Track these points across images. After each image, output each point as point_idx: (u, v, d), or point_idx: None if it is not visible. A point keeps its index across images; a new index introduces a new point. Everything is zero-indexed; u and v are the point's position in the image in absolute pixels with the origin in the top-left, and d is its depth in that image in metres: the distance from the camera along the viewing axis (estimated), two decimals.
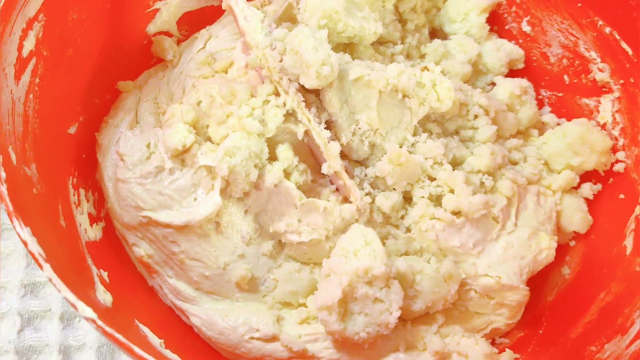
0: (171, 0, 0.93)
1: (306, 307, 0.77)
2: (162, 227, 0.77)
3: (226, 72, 0.86)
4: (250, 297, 0.78)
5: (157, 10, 0.92)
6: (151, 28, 0.93)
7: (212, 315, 0.76)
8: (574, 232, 0.85)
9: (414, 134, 0.80)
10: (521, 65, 0.96)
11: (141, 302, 0.78)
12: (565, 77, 0.92)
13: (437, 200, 0.79)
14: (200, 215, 0.76)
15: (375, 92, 0.77)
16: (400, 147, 0.79)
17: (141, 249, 0.80)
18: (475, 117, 0.84)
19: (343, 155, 0.79)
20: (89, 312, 0.53)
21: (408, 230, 0.80)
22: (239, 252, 0.77)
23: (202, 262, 0.77)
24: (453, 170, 0.79)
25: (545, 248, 0.80)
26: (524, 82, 0.91)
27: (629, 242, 0.79)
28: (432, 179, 0.80)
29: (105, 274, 0.75)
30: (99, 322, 0.53)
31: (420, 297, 0.74)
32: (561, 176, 0.85)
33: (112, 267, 0.77)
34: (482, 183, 0.80)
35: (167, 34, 0.95)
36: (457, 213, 0.78)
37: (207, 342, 0.78)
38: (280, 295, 0.77)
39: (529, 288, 0.79)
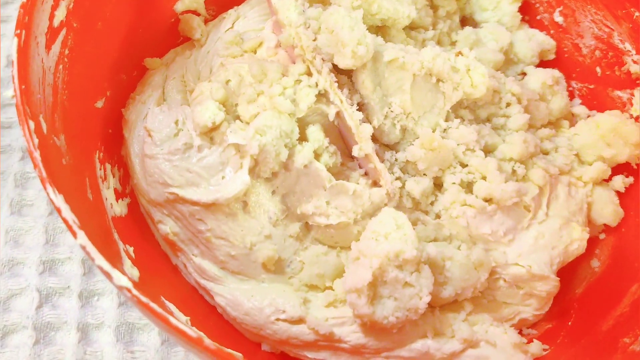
0: None
1: (333, 290, 0.76)
2: (189, 204, 0.76)
3: (255, 52, 0.85)
4: (276, 278, 0.77)
5: None
6: (179, 6, 0.92)
7: (237, 296, 0.75)
8: (604, 224, 0.84)
9: (446, 120, 0.79)
10: (552, 56, 0.95)
11: (166, 279, 0.77)
12: (598, 69, 0.91)
13: (468, 187, 0.78)
14: (228, 194, 0.74)
15: (409, 75, 0.77)
16: (433, 132, 0.78)
17: (167, 226, 0.78)
18: (508, 105, 0.83)
19: (374, 139, 0.78)
20: (125, 280, 0.52)
21: (437, 216, 0.79)
22: (266, 233, 0.76)
23: (229, 241, 0.76)
24: (485, 157, 0.78)
25: (577, 239, 0.79)
26: (555, 73, 0.90)
27: None
28: (463, 165, 0.79)
29: (131, 250, 0.74)
30: (134, 292, 0.52)
31: (449, 283, 0.73)
32: (593, 167, 0.84)
33: (138, 243, 0.76)
34: (514, 171, 0.79)
35: (195, 12, 0.94)
36: (488, 200, 0.77)
37: (232, 322, 0.76)
38: (307, 278, 0.76)
39: (559, 279, 0.78)
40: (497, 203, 0.76)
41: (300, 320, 0.73)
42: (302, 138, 0.77)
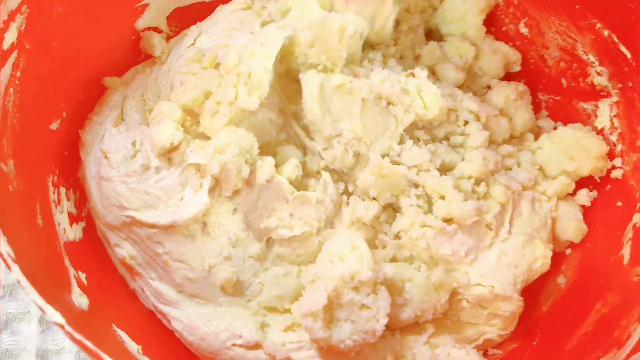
0: None
1: (291, 313, 0.74)
2: (146, 227, 0.74)
3: (216, 68, 0.83)
4: (234, 301, 0.75)
5: (147, 5, 0.89)
6: (140, 23, 0.90)
7: (194, 320, 0.74)
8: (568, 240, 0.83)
9: (400, 142, 0.77)
10: (518, 68, 0.93)
11: (120, 305, 0.76)
12: (563, 81, 0.89)
13: (427, 206, 0.77)
14: (187, 215, 0.73)
15: (358, 99, 0.74)
16: (385, 156, 0.76)
17: (124, 250, 0.77)
18: (466, 123, 0.81)
19: (325, 167, 0.77)
20: (58, 317, 0.50)
21: (397, 237, 0.77)
22: (225, 254, 0.75)
23: (187, 263, 0.74)
24: (441, 176, 0.76)
25: (540, 257, 0.77)
26: (520, 86, 0.89)
27: (626, 251, 0.76)
28: (418, 186, 0.77)
29: (83, 276, 0.72)
30: (67, 328, 0.50)
31: (409, 305, 0.72)
32: (557, 181, 0.82)
33: (91, 268, 0.74)
34: (474, 189, 0.77)
35: (157, 29, 0.92)
36: (448, 220, 0.75)
37: (188, 347, 0.75)
38: (266, 300, 0.75)
39: (523, 298, 0.76)
40: (457, 222, 0.74)
41: (257, 346, 0.72)
42: (264, 152, 0.76)
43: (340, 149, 0.75)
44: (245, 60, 0.75)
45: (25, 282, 0.51)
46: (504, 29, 0.95)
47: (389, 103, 0.75)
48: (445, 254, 0.74)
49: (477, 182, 0.78)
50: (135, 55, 0.91)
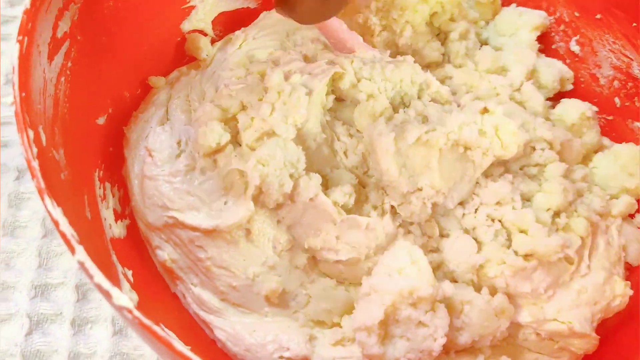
0: None
1: (341, 327, 0.69)
2: (188, 229, 0.70)
3: (263, 76, 0.81)
4: (280, 312, 0.70)
5: (193, 7, 0.87)
6: (186, 25, 0.87)
7: (238, 330, 0.69)
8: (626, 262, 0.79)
9: (476, 184, 0.73)
10: (570, 87, 0.90)
11: (166, 307, 0.71)
12: (617, 100, 0.86)
13: (505, 241, 0.71)
14: (230, 220, 0.69)
15: (435, 151, 0.69)
16: (463, 203, 0.72)
17: (165, 253, 0.72)
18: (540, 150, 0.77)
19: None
20: (125, 300, 0.47)
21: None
22: (270, 263, 0.70)
23: (230, 271, 0.70)
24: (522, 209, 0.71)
25: (619, 295, 0.71)
26: (592, 106, 0.84)
27: None
28: (495, 221, 0.71)
29: (130, 273, 0.68)
30: (135, 313, 0.46)
31: (466, 329, 0.66)
32: (620, 201, 0.77)
33: (136, 267, 0.70)
34: (553, 221, 0.71)
35: (202, 32, 0.89)
36: (529, 256, 0.69)
37: (232, 358, 0.70)
38: (313, 313, 0.70)
39: (599, 337, 0.71)
40: (539, 259, 0.68)
41: (305, 359, 0.67)
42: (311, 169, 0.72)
43: (419, 204, 0.70)
44: (291, 80, 0.73)
45: (90, 264, 0.48)
46: (553, 46, 0.92)
47: (466, 149, 0.70)
48: (524, 292, 0.69)
49: (557, 214, 0.72)
50: (180, 57, 0.88)
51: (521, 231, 0.70)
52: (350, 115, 0.76)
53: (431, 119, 0.71)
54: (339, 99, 0.78)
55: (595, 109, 0.85)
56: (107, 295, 0.47)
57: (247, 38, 0.86)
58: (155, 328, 0.46)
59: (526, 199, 0.74)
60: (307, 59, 0.81)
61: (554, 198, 0.72)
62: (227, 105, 0.74)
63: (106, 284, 0.47)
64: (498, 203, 0.71)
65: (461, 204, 0.73)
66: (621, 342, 0.72)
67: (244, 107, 0.74)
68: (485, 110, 0.72)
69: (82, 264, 0.48)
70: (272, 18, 0.88)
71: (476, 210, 0.72)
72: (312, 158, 0.73)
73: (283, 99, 0.71)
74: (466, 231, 0.72)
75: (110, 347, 0.79)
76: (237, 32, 0.88)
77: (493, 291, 0.70)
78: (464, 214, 0.73)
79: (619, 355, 0.70)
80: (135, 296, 0.63)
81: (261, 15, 0.89)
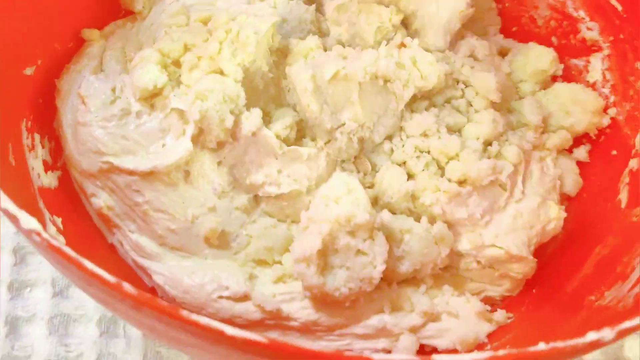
0: None
1: (282, 264, 0.69)
2: (125, 174, 0.68)
3: (205, 24, 0.79)
4: (220, 254, 0.69)
5: None
6: None
7: (176, 273, 0.67)
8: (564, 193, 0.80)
9: (402, 117, 0.73)
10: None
11: (99, 259, 0.69)
12: (554, 39, 0.87)
13: (437, 170, 0.72)
14: (169, 161, 0.67)
15: (355, 84, 0.69)
16: (390, 137, 0.72)
17: (100, 200, 0.70)
18: (466, 85, 0.77)
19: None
20: (33, 223, 0.44)
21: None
22: (210, 205, 0.69)
23: (168, 213, 0.68)
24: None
25: (554, 218, 0.72)
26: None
27: (623, 196, 0.73)
28: (423, 152, 0.72)
29: (59, 221, 0.66)
30: (44, 235, 0.44)
31: (407, 258, 0.66)
32: (557, 135, 0.78)
33: (68, 217, 0.68)
34: (485, 149, 0.72)
35: None
36: (462, 182, 0.69)
37: (171, 303, 0.69)
38: (254, 252, 0.69)
39: (536, 260, 0.71)
40: (472, 184, 0.69)
41: (245, 297, 0.65)
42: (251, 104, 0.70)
43: (344, 140, 0.70)
44: (237, 20, 0.71)
45: None
46: None
47: (386, 81, 0.70)
48: (461, 218, 0.69)
49: (488, 142, 0.73)
50: (115, 10, 0.86)
51: (451, 158, 0.70)
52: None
53: (350, 57, 0.71)
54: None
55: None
56: (14, 220, 0.45)
57: None
58: (65, 249, 0.44)
59: (455, 131, 0.74)
60: None
61: (483, 127, 0.72)
62: (168, 49, 0.72)
63: (13, 207, 0.45)
64: (424, 134, 0.71)
65: (389, 138, 0.73)
66: (559, 266, 0.73)
67: (187, 49, 0.72)
68: (402, 45, 0.72)
69: None
70: None
71: (404, 144, 0.72)
72: (259, 96, 0.72)
73: (231, 38, 0.70)
74: (397, 164, 0.72)
75: (49, 309, 0.77)
76: None
77: (432, 220, 0.70)
78: (392, 149, 0.72)
79: (557, 279, 0.71)
80: (62, 239, 0.61)
81: None
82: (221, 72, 0.69)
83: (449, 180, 0.69)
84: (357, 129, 0.70)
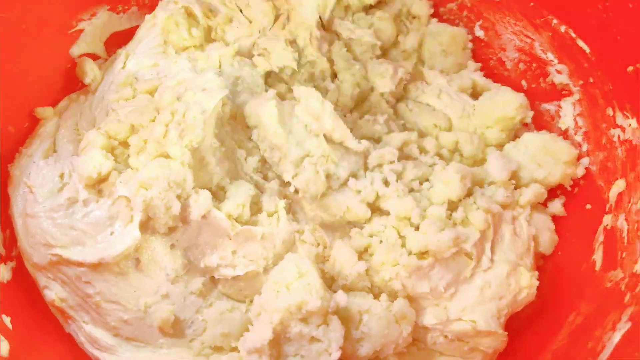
0: (96, 21, 0.84)
1: (238, 351, 0.65)
2: (74, 265, 0.66)
3: (152, 95, 0.77)
4: (175, 342, 0.66)
5: (82, 30, 0.83)
6: (75, 50, 0.83)
7: None
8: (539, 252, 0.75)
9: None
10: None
11: (52, 350, 0.67)
12: (524, 83, 0.83)
13: (396, 236, 0.68)
14: (116, 251, 0.65)
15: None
16: (355, 176, 0.70)
17: (52, 292, 0.68)
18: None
19: (296, 196, 0.70)
20: None
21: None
22: (163, 292, 0.66)
23: (121, 304, 0.66)
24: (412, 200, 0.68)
25: (526, 287, 0.68)
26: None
27: (598, 256, 0.69)
28: (385, 213, 0.69)
29: (8, 320, 0.64)
30: None
31: (367, 339, 0.63)
32: (530, 189, 0.73)
33: (21, 312, 0.66)
34: (449, 215, 0.68)
35: (94, 56, 0.86)
36: (424, 253, 0.66)
37: None
38: (210, 339, 0.66)
39: (507, 333, 0.67)
40: (433, 256, 0.65)
41: None
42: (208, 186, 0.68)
43: (311, 170, 0.67)
44: (183, 99, 0.69)
45: None
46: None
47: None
48: (424, 292, 0.65)
49: (453, 206, 0.69)
50: (72, 84, 0.84)
51: (413, 226, 0.67)
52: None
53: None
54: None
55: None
56: None
57: (129, 54, 0.82)
58: None
59: (418, 186, 0.71)
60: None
61: (451, 189, 0.68)
62: (114, 131, 0.70)
63: None
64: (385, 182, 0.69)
65: (353, 175, 0.70)
66: (532, 336, 0.69)
67: (134, 130, 0.70)
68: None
69: None
70: (149, 28, 0.83)
71: (371, 182, 0.69)
72: (211, 173, 0.70)
73: (177, 120, 0.68)
74: (362, 231, 0.69)
75: None
76: (119, 51, 0.84)
77: (393, 295, 0.66)
78: (358, 190, 0.69)
79: (530, 352, 0.67)
80: (6, 345, 0.59)
81: (138, 28, 0.85)
82: (167, 155, 0.67)
83: (409, 253, 0.65)
84: (322, 160, 0.67)
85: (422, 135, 0.76)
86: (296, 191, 0.69)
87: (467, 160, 0.75)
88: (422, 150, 0.74)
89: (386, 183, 0.69)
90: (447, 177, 0.69)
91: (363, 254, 0.68)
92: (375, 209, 0.69)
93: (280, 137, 0.67)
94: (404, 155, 0.73)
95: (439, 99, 0.77)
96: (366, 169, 0.71)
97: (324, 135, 0.68)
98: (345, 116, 0.78)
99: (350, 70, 0.78)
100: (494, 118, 0.78)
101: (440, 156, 0.74)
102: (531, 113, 0.80)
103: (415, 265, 0.65)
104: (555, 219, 0.76)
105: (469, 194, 0.71)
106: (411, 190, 0.70)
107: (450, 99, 0.78)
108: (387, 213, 0.68)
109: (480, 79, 0.84)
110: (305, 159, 0.68)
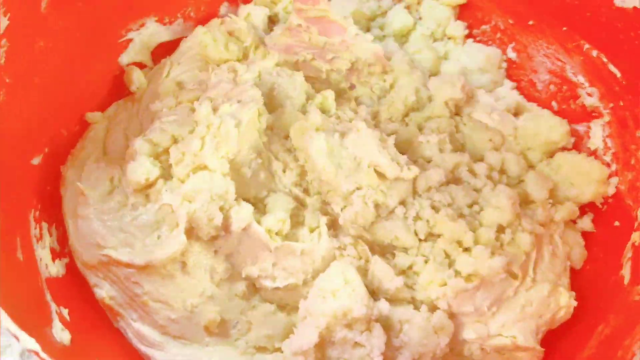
0: (144, 31, 0.87)
1: (282, 352, 0.67)
2: (123, 266, 0.68)
3: (192, 103, 0.78)
4: (220, 341, 0.69)
5: (130, 40, 0.87)
6: (124, 59, 0.87)
7: None
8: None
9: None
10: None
11: (106, 343, 0.69)
12: (554, 104, 0.86)
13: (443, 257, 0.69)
14: (163, 255, 0.67)
15: None
16: (403, 203, 0.71)
17: (102, 290, 0.71)
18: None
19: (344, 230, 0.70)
20: (32, 343, 0.46)
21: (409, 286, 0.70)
22: (208, 293, 0.68)
23: (168, 304, 0.68)
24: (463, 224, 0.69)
25: (564, 306, 0.69)
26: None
27: (626, 271, 0.71)
28: (434, 237, 0.70)
29: (65, 312, 0.66)
30: (42, 355, 0.46)
31: (406, 348, 0.65)
32: (564, 207, 0.75)
33: (76, 305, 0.68)
34: (497, 237, 0.69)
35: (142, 64, 0.90)
36: (471, 275, 0.67)
37: None
38: (255, 339, 0.68)
39: (544, 350, 0.69)
40: (481, 280, 0.66)
41: None
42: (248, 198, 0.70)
43: (360, 203, 0.68)
44: (219, 112, 0.71)
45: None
46: None
47: None
48: (467, 312, 0.67)
49: (501, 229, 0.70)
50: (120, 90, 0.87)
51: (463, 248, 0.68)
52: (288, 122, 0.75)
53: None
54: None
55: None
56: (15, 337, 0.47)
57: (173, 64, 0.85)
58: None
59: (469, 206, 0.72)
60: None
61: (503, 214, 0.69)
62: (158, 140, 0.72)
63: (13, 327, 0.46)
64: (433, 207, 0.70)
65: (402, 203, 0.70)
66: (562, 345, 0.72)
67: (175, 140, 0.73)
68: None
69: None
70: (192, 40, 0.86)
71: (418, 211, 0.70)
72: (249, 185, 0.72)
73: (212, 132, 0.70)
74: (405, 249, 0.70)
75: None
76: (163, 61, 0.87)
77: (433, 307, 0.68)
78: (406, 216, 0.70)
79: None
80: (67, 335, 0.61)
81: (183, 40, 0.88)
82: (206, 167, 0.69)
83: (457, 274, 0.67)
84: (372, 193, 0.68)
85: (473, 151, 0.78)
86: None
87: (512, 181, 0.76)
88: (472, 173, 0.75)
89: (435, 208, 0.70)
90: (499, 202, 0.70)
91: (407, 271, 0.69)
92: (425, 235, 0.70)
93: (329, 174, 0.68)
94: (453, 179, 0.74)
95: (491, 116, 0.79)
96: (414, 192, 0.71)
97: (375, 170, 0.69)
98: (394, 129, 0.79)
99: (410, 77, 0.80)
100: (539, 142, 0.80)
101: (490, 178, 0.75)
102: (572, 139, 0.81)
103: (463, 287, 0.66)
104: (584, 234, 0.78)
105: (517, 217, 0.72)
106: (461, 215, 0.71)
107: (500, 117, 0.80)
108: (437, 236, 0.69)
109: (519, 98, 0.87)
110: (355, 192, 0.69)
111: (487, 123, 0.79)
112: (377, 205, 0.70)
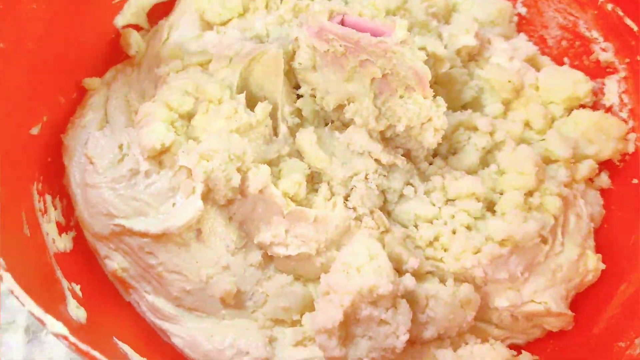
0: None
1: (301, 325, 0.65)
2: (137, 236, 0.65)
3: (202, 67, 0.75)
4: (237, 313, 0.66)
5: (125, 1, 0.81)
6: (119, 20, 0.81)
7: (195, 336, 0.65)
8: None
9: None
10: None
11: (119, 318, 0.66)
12: (566, 60, 0.83)
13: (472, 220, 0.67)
14: (180, 222, 0.63)
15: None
16: (410, 184, 0.69)
17: (114, 262, 0.67)
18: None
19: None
20: (59, 327, 0.44)
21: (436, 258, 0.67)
22: (223, 263, 0.65)
23: (183, 275, 0.65)
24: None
25: (592, 269, 0.67)
26: None
27: None
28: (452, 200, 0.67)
29: (77, 288, 0.63)
30: (72, 339, 0.44)
31: (432, 323, 0.62)
32: (584, 166, 0.72)
33: (86, 280, 0.65)
34: (526, 201, 0.66)
35: (137, 27, 0.85)
36: (504, 240, 0.64)
37: None
38: (272, 312, 0.65)
39: (574, 314, 0.67)
40: (515, 245, 0.63)
41: None
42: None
43: (362, 187, 0.66)
44: (237, 59, 0.68)
45: (19, 291, 0.45)
46: None
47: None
48: (502, 279, 0.64)
49: (530, 193, 0.67)
50: (116, 54, 0.81)
51: (489, 209, 0.65)
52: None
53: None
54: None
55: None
56: (40, 322, 0.45)
57: (172, 26, 0.79)
58: (93, 353, 0.44)
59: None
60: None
61: (528, 179, 0.66)
62: (174, 103, 0.68)
63: (38, 311, 0.45)
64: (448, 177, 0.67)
65: (409, 184, 0.68)
66: (584, 306, 0.71)
67: (193, 103, 0.69)
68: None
69: (12, 292, 0.46)
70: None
71: (429, 189, 0.68)
72: (268, 147, 0.69)
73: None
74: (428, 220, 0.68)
75: (66, 354, 0.75)
76: (160, 22, 0.82)
77: (460, 279, 0.65)
78: (417, 193, 0.68)
79: (583, 320, 0.69)
80: (82, 312, 0.58)
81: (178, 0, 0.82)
82: (227, 127, 0.66)
83: (489, 240, 0.64)
84: (373, 176, 0.66)
85: (492, 94, 0.75)
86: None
87: (535, 135, 0.73)
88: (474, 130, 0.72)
89: (444, 176, 0.68)
90: (522, 167, 0.67)
91: (433, 242, 0.66)
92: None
93: (323, 161, 0.66)
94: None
95: (511, 62, 0.75)
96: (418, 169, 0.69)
97: (370, 154, 0.66)
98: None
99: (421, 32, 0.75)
100: (562, 96, 0.76)
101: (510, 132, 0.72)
102: (594, 98, 0.78)
103: (499, 253, 0.63)
104: (602, 193, 0.76)
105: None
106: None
107: (521, 64, 0.75)
108: (454, 201, 0.66)
109: (535, 49, 0.83)
110: (354, 177, 0.66)
111: (507, 68, 0.74)
112: (383, 191, 0.68)
